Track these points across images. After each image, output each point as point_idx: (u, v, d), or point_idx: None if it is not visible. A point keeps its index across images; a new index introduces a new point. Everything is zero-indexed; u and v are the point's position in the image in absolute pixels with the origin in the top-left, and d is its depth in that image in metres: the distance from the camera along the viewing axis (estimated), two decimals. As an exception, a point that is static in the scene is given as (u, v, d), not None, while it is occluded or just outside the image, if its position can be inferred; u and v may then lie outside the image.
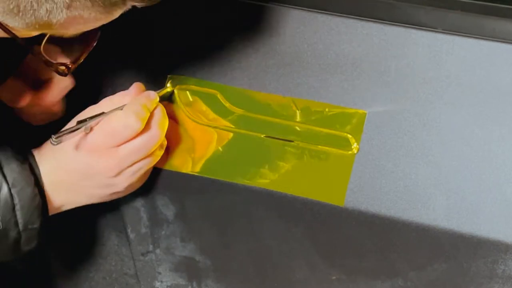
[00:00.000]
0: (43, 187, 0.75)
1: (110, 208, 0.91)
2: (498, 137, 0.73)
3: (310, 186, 0.79)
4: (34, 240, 0.74)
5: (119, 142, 0.73)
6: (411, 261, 0.79)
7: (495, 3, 0.75)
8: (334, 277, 0.83)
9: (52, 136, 0.70)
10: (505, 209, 0.73)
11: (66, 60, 0.68)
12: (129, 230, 0.90)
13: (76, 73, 0.88)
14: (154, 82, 0.81)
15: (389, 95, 0.76)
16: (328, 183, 0.78)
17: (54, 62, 0.66)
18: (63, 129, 0.74)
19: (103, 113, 0.74)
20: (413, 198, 0.76)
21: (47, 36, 0.64)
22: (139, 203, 0.88)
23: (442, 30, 0.74)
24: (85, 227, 0.93)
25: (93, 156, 0.74)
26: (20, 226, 0.72)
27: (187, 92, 0.82)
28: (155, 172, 0.84)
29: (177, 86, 0.82)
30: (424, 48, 0.74)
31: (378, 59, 0.76)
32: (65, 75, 0.67)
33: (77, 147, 0.74)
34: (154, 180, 0.85)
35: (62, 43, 0.65)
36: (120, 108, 0.75)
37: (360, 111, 0.76)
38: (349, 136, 0.77)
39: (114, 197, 0.80)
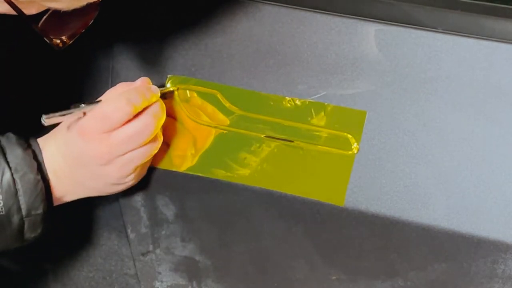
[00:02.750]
0: (46, 174, 0.75)
1: (110, 208, 0.91)
2: (498, 137, 0.73)
3: (310, 186, 0.79)
4: (38, 227, 0.74)
5: (110, 127, 0.73)
6: (411, 261, 0.79)
7: (495, 3, 0.75)
8: (334, 277, 0.83)
9: (43, 115, 0.70)
10: (505, 209, 0.73)
11: (64, 36, 0.69)
12: (129, 230, 0.90)
13: (75, 73, 0.88)
14: (154, 82, 0.81)
15: (389, 95, 0.76)
16: (328, 183, 0.78)
17: (51, 37, 0.67)
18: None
19: (100, 100, 0.75)
20: (413, 198, 0.76)
21: (48, 13, 0.64)
22: (139, 203, 0.88)
23: (442, 30, 0.74)
24: (85, 227, 0.94)
25: (84, 140, 0.74)
26: (23, 211, 0.72)
27: (187, 91, 0.82)
28: (155, 172, 0.84)
29: (177, 86, 0.82)
30: (424, 48, 0.74)
31: (378, 59, 0.76)
32: (59, 49, 0.68)
33: (69, 127, 0.75)
34: (154, 180, 0.85)
35: (62, 22, 0.66)
36: None
37: (360, 111, 0.76)
38: (349, 136, 0.77)
39: (112, 190, 0.80)
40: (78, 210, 0.82)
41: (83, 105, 0.74)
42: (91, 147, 0.74)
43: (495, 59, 0.72)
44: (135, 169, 0.78)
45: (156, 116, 0.76)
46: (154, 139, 0.77)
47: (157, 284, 0.92)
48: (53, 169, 0.76)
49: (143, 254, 0.91)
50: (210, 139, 0.82)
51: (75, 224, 0.93)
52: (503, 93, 0.73)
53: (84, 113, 0.74)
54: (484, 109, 0.73)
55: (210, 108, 0.81)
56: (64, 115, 0.73)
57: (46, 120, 0.71)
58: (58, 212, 0.79)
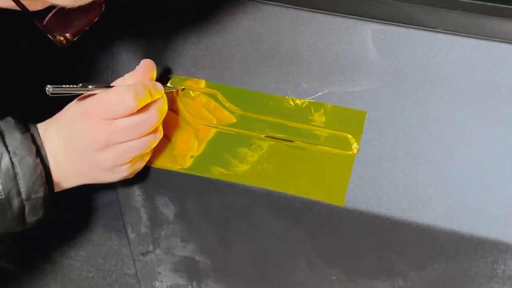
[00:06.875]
0: (46, 157, 0.75)
1: (110, 208, 0.91)
2: (498, 137, 0.73)
3: (310, 186, 0.79)
4: (39, 210, 0.74)
5: (112, 116, 0.73)
6: (411, 261, 0.79)
7: (495, 3, 0.75)
8: (334, 277, 0.83)
9: (49, 85, 0.69)
10: (505, 209, 0.73)
11: (68, 33, 0.69)
12: (129, 230, 0.90)
13: (75, 73, 0.88)
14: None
15: (389, 95, 0.76)
16: (328, 183, 0.78)
17: (55, 34, 0.67)
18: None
19: (109, 85, 0.75)
20: (413, 198, 0.76)
21: (54, 10, 0.64)
22: (139, 203, 0.88)
23: (442, 30, 0.74)
24: (85, 227, 0.94)
25: (85, 122, 0.74)
26: (23, 195, 0.72)
27: (188, 91, 0.82)
28: (155, 172, 0.84)
29: (178, 86, 0.82)
30: (424, 48, 0.74)
31: (378, 59, 0.76)
32: (63, 46, 0.68)
33: (78, 102, 0.75)
34: (154, 180, 0.85)
35: (67, 19, 0.66)
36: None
37: (360, 111, 0.77)
38: (349, 136, 0.77)
39: (106, 179, 0.79)
40: (78, 210, 0.82)
41: (91, 86, 0.73)
42: (91, 130, 0.74)
43: (495, 59, 0.72)
44: (131, 160, 0.78)
45: (160, 110, 0.76)
46: (154, 132, 0.77)
47: (157, 284, 0.92)
48: (53, 151, 0.75)
49: (143, 254, 0.91)
50: (211, 133, 0.82)
51: (75, 224, 0.93)
52: (503, 93, 0.73)
53: (91, 94, 0.74)
54: (484, 109, 0.73)
55: (214, 105, 0.81)
56: (70, 91, 0.72)
57: (51, 89, 0.70)
58: (58, 213, 0.79)
